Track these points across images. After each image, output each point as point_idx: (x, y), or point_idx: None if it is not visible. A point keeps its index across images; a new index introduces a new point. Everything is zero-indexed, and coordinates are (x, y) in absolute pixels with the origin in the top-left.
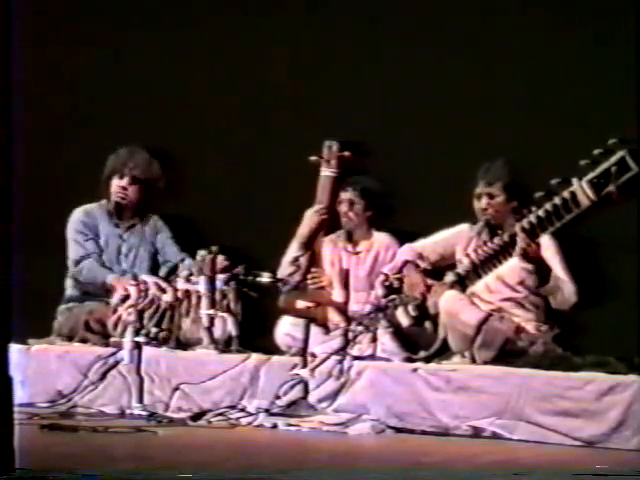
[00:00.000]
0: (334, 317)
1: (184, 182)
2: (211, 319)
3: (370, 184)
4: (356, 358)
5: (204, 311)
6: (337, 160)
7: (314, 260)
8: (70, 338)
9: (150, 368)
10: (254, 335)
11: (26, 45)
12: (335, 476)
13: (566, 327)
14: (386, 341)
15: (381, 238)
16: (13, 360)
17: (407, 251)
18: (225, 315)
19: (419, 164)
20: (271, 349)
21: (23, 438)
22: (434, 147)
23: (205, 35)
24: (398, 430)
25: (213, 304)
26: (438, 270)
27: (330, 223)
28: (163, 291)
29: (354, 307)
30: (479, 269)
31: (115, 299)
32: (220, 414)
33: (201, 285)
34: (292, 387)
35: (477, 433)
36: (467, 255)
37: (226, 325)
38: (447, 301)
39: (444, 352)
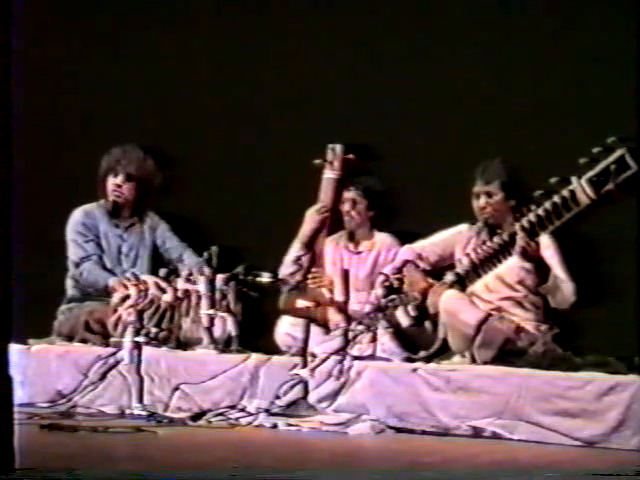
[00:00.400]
0: (334, 317)
1: (184, 182)
2: (211, 319)
3: (373, 184)
4: (356, 358)
5: (204, 311)
6: (340, 163)
7: (315, 260)
8: (70, 338)
9: (150, 368)
10: (254, 335)
11: (26, 45)
12: (335, 476)
13: (566, 327)
14: (386, 341)
15: (383, 239)
16: (13, 360)
17: (407, 251)
18: (225, 315)
19: (420, 165)
20: (271, 349)
21: (23, 438)
22: (434, 147)
23: (205, 35)
24: (398, 430)
25: (213, 304)
26: (438, 270)
27: (333, 224)
28: (163, 291)
29: (355, 307)
30: (479, 269)
31: (115, 299)
32: (220, 414)
33: (201, 285)
34: (292, 387)
35: (477, 433)
36: (467, 255)
37: (226, 325)
38: (447, 301)
39: (444, 352)
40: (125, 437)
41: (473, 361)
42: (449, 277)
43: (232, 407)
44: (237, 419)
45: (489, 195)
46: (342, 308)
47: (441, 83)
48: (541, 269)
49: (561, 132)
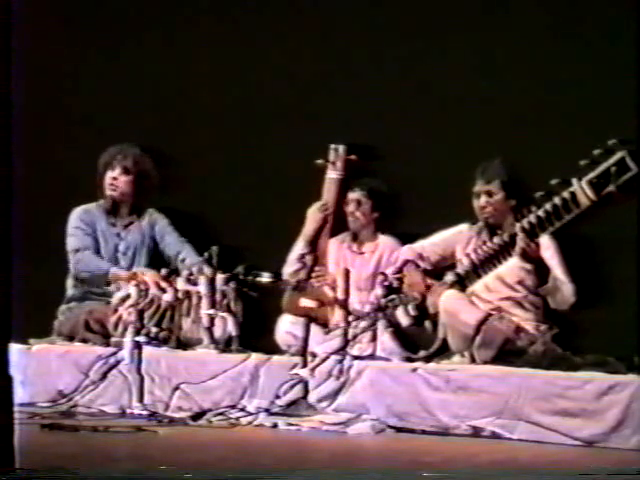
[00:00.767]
0: (335, 316)
1: (184, 181)
2: (211, 319)
3: (378, 185)
4: (356, 358)
5: (204, 311)
6: (343, 163)
7: (318, 259)
8: (70, 338)
9: (150, 368)
10: (254, 335)
11: (26, 45)
12: (335, 476)
13: (565, 327)
14: (386, 341)
15: (386, 241)
16: (13, 360)
17: (407, 251)
18: (225, 315)
19: (420, 165)
20: (271, 349)
21: (23, 438)
22: (434, 148)
23: (206, 35)
24: (398, 430)
25: (213, 304)
26: (438, 270)
27: (336, 225)
28: (163, 291)
29: (356, 307)
30: (479, 269)
31: (115, 299)
32: (220, 414)
33: (201, 285)
34: (292, 387)
35: (477, 433)
36: (467, 255)
37: (226, 325)
38: (447, 301)
39: (444, 352)
40: (126, 437)
41: (473, 361)
42: (449, 277)
43: (232, 407)
44: (237, 419)
45: (489, 194)
46: (343, 307)
47: (442, 83)
48: (541, 270)
49: (561, 134)
